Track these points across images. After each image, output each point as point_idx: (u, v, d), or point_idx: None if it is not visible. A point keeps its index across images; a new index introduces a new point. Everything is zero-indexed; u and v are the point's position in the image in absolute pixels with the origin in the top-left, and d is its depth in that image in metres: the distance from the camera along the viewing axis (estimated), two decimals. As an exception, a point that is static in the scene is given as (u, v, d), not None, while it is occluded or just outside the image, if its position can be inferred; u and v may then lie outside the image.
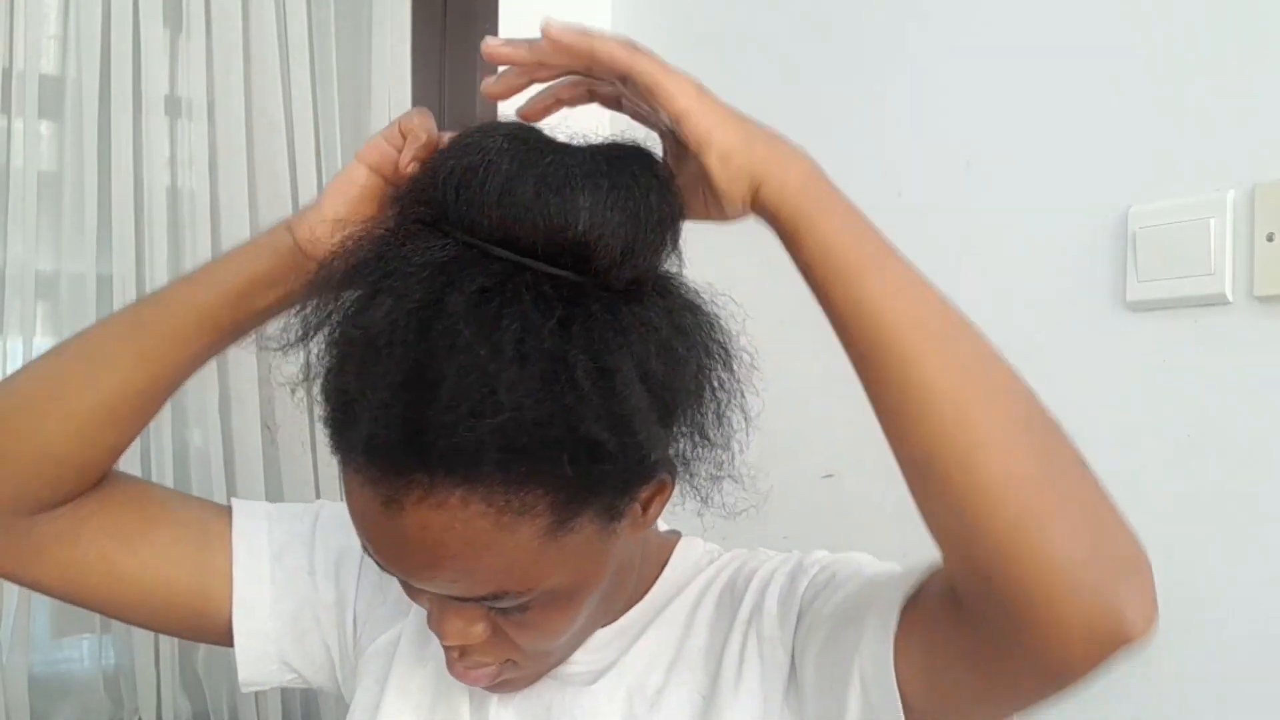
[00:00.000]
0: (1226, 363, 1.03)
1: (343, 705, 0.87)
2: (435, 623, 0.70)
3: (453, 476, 0.59)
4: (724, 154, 0.63)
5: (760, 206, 0.64)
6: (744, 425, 0.71)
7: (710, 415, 0.68)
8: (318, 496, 1.52)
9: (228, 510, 0.84)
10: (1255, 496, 1.00)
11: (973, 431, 0.58)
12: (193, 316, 0.74)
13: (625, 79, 0.64)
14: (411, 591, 0.71)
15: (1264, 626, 1.00)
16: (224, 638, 0.83)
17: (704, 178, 0.64)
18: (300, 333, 0.66)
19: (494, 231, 0.61)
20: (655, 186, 0.64)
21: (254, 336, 0.78)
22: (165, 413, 1.43)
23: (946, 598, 0.62)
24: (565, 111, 0.71)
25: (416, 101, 1.64)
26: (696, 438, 0.69)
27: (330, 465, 1.53)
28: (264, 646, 0.83)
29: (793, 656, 0.73)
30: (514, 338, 0.58)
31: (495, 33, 1.71)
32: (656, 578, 0.80)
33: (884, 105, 1.36)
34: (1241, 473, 1.01)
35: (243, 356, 1.48)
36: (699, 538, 0.85)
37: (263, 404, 1.51)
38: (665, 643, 0.78)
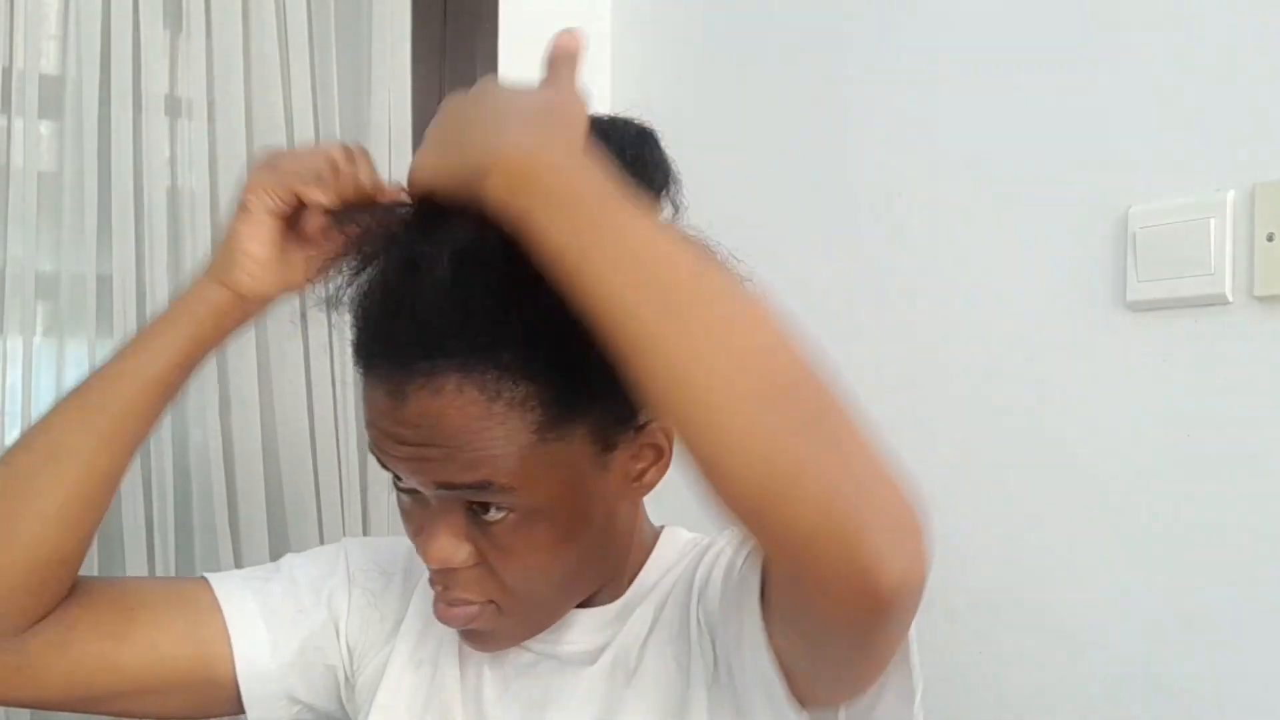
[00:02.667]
0: (1226, 363, 1.03)
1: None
2: (423, 543, 0.73)
3: (450, 362, 0.66)
4: (419, 166, 0.68)
5: (490, 208, 0.64)
6: None
7: None
8: (317, 499, 1.53)
9: (201, 580, 0.85)
10: (1255, 496, 1.01)
11: (704, 402, 0.56)
12: (143, 389, 0.77)
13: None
14: (409, 510, 0.74)
15: (1264, 626, 1.00)
16: (233, 703, 0.84)
17: None
18: (353, 271, 0.72)
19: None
20: (636, 143, 0.72)
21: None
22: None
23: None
24: None
25: (417, 101, 1.64)
26: None
27: (330, 465, 1.53)
28: (270, 689, 0.84)
29: (713, 640, 0.75)
30: (498, 252, 0.64)
31: (495, 33, 1.71)
32: (644, 564, 0.83)
33: (884, 105, 1.36)
34: (1241, 473, 1.01)
35: (243, 356, 1.48)
36: (683, 528, 0.86)
37: (263, 404, 1.51)
38: (649, 620, 0.79)
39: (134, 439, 0.78)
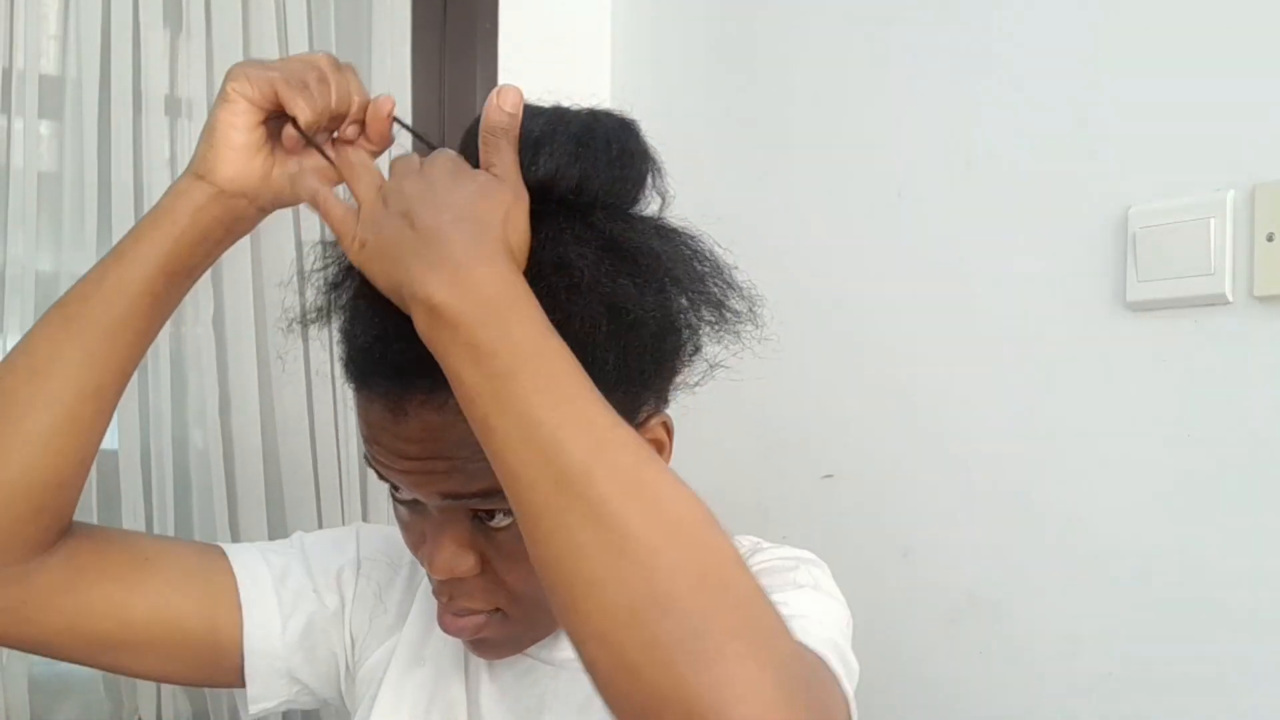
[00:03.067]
0: (1226, 363, 1.03)
1: (345, 716, 0.87)
2: (428, 554, 0.72)
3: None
4: (358, 247, 0.66)
5: None
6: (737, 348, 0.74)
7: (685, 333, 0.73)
8: (317, 499, 1.53)
9: (217, 547, 0.84)
10: (1255, 496, 1.00)
11: (577, 605, 0.56)
12: (128, 298, 0.72)
13: None
14: (409, 521, 0.73)
15: (1264, 626, 1.00)
16: (232, 673, 0.83)
17: None
18: (332, 282, 0.73)
19: None
20: (609, 137, 0.71)
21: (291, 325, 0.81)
22: (165, 413, 1.44)
23: None
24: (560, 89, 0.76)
25: (417, 101, 1.64)
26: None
27: (330, 465, 1.53)
28: (274, 665, 0.83)
29: None
30: None
31: (495, 33, 1.71)
32: None
33: (884, 105, 1.36)
34: (1241, 472, 1.01)
35: (243, 357, 1.49)
36: None
37: (263, 404, 1.51)
38: None
39: (126, 354, 0.74)
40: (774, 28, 1.52)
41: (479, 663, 0.82)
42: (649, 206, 0.75)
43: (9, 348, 1.36)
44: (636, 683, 0.53)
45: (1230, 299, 1.02)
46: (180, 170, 1.45)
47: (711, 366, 0.77)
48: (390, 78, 1.60)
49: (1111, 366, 1.11)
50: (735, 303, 0.74)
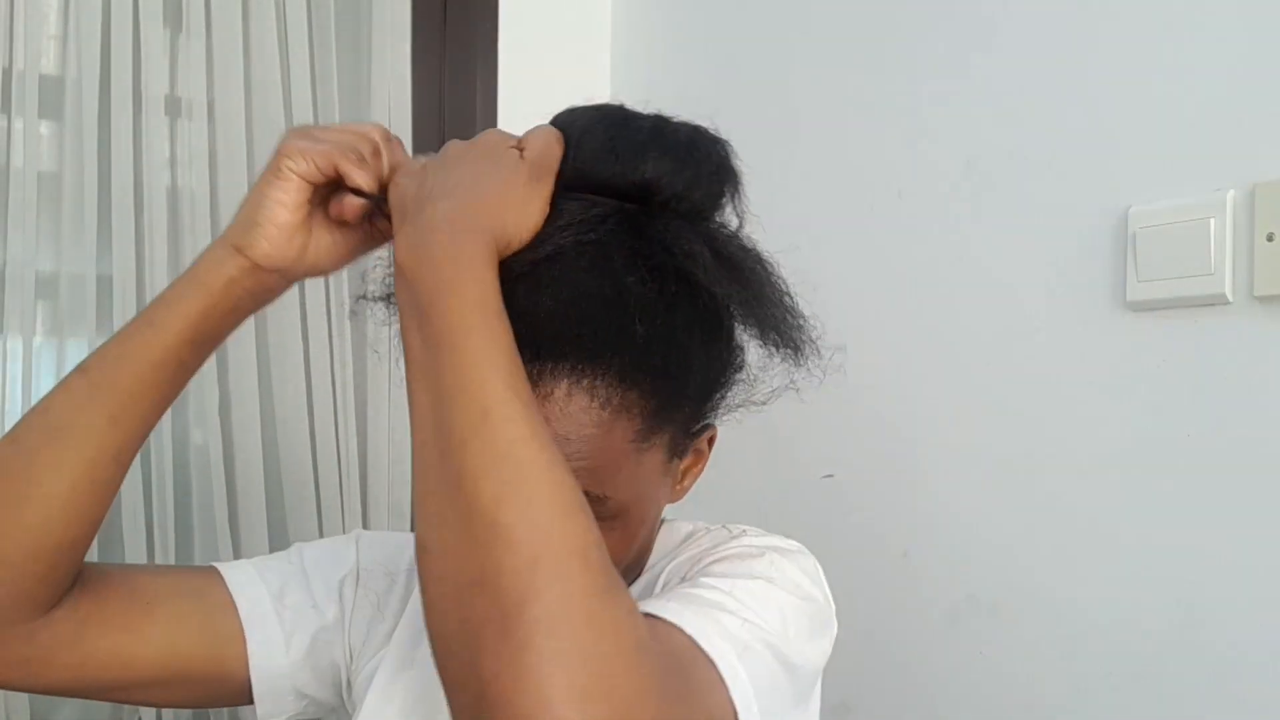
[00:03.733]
0: (1226, 363, 1.03)
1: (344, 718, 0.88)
2: None
3: (561, 365, 0.66)
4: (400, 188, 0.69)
5: None
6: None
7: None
8: (317, 498, 1.53)
9: (213, 571, 0.84)
10: (1255, 496, 1.00)
11: (423, 554, 0.58)
12: (153, 364, 0.72)
13: None
14: None
15: (1264, 626, 1.00)
16: (241, 695, 0.83)
17: None
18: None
19: (586, 182, 0.70)
20: (710, 150, 0.73)
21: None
22: (165, 413, 1.43)
23: None
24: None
25: (417, 101, 1.64)
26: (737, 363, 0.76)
27: (330, 465, 1.53)
28: (280, 683, 0.84)
29: None
30: (601, 252, 0.67)
31: (495, 33, 1.71)
32: (646, 560, 0.83)
33: (884, 104, 1.36)
34: (1241, 473, 1.01)
35: (243, 357, 1.49)
36: (684, 520, 0.86)
37: (263, 404, 1.51)
38: None
39: (145, 418, 0.74)
40: (774, 28, 1.52)
41: None
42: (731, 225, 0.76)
43: (9, 347, 1.38)
44: (449, 658, 0.54)
45: (1230, 299, 1.02)
46: (180, 170, 1.49)
47: (784, 386, 0.78)
48: (390, 78, 1.61)
49: (1111, 366, 1.11)
50: (801, 333, 0.75)
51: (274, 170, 0.72)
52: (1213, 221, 1.03)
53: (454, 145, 0.70)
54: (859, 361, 1.37)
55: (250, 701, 0.84)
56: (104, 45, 1.43)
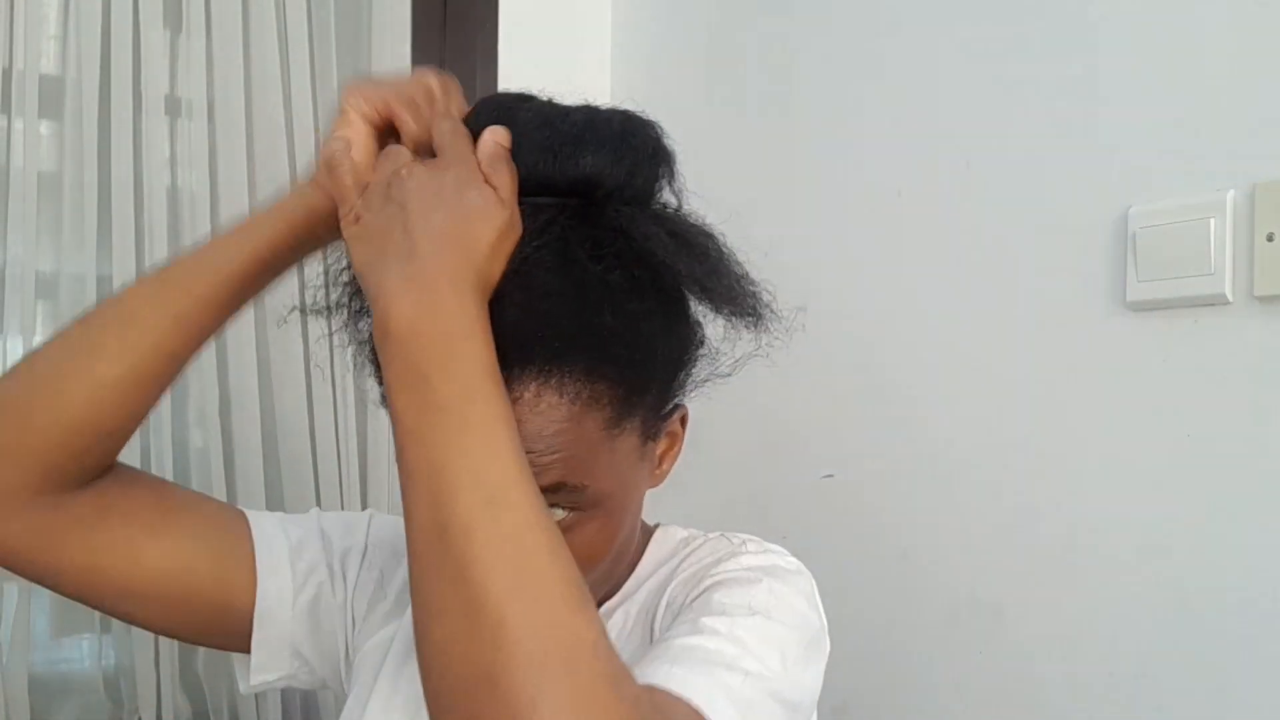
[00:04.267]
0: (1226, 363, 1.03)
1: (342, 704, 0.87)
2: None
3: (527, 370, 0.66)
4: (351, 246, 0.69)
5: None
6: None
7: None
8: (317, 499, 1.53)
9: (240, 512, 0.85)
10: (1255, 496, 1.00)
11: (426, 605, 0.58)
12: (227, 278, 0.76)
13: None
14: None
15: (1263, 627, 1.00)
16: (237, 637, 0.83)
17: None
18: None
19: (526, 184, 0.70)
20: (644, 135, 0.73)
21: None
22: (165, 413, 1.43)
23: None
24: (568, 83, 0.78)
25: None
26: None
27: (330, 465, 1.53)
28: (280, 635, 0.84)
29: None
30: (558, 256, 0.67)
31: (495, 33, 1.71)
32: (636, 565, 0.83)
33: (884, 105, 1.36)
34: (1241, 473, 1.01)
35: (244, 357, 1.48)
36: (679, 526, 0.86)
37: (263, 404, 1.51)
38: (630, 623, 0.80)
39: (208, 327, 0.77)
40: (774, 27, 1.52)
41: None
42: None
43: (8, 348, 1.38)
44: None
45: (1230, 299, 1.02)
46: (180, 170, 1.49)
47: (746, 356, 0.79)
48: (390, 78, 1.60)
49: (1111, 366, 1.11)
50: (758, 300, 0.75)
51: (340, 113, 0.75)
52: (1213, 221, 1.03)
53: (420, 175, 0.67)
54: (859, 361, 1.38)
55: (245, 647, 0.83)
56: (104, 45, 1.43)
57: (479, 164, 0.68)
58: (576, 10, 1.78)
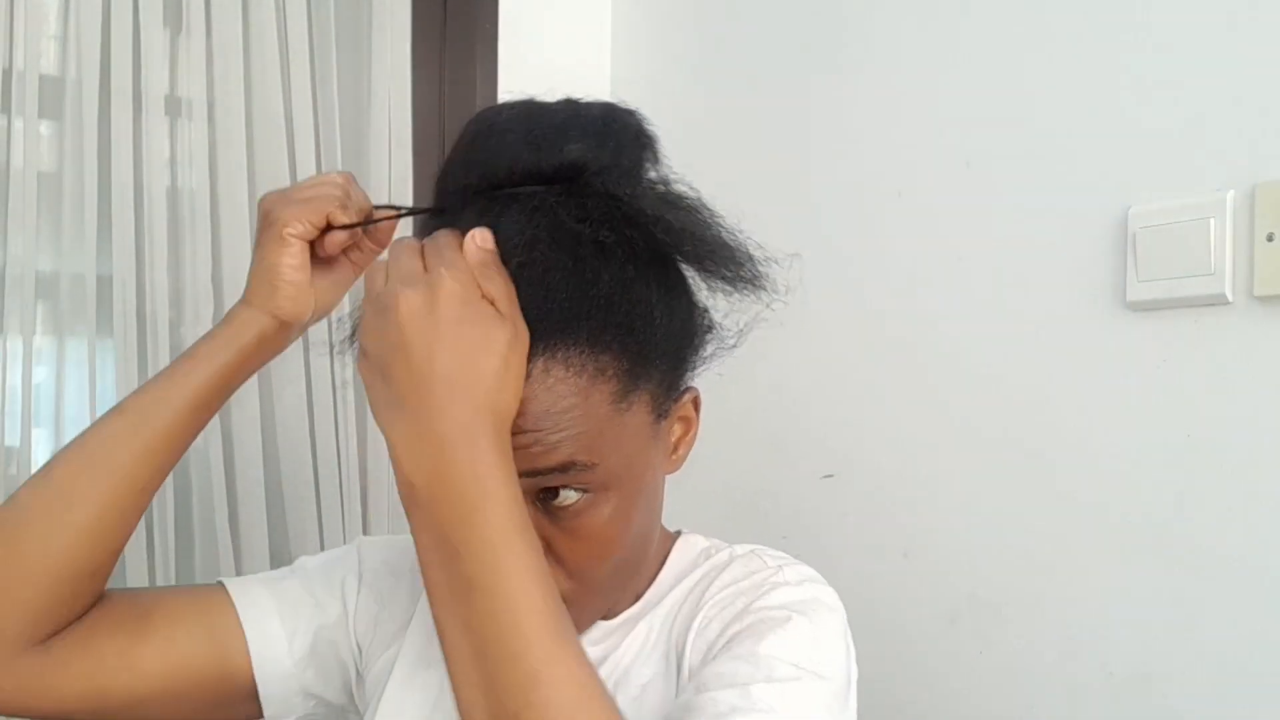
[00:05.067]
0: (1226, 363, 1.03)
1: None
2: None
3: (533, 348, 0.67)
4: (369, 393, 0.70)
5: None
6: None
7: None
8: (317, 498, 1.53)
9: (217, 584, 0.86)
10: (1255, 496, 1.00)
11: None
12: (185, 408, 0.79)
13: None
14: None
15: (1263, 627, 1.00)
16: (251, 701, 0.84)
17: None
18: None
19: (513, 177, 0.71)
20: (625, 120, 0.73)
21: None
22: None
23: None
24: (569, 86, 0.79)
25: (417, 101, 1.64)
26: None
27: (330, 465, 1.53)
28: (287, 684, 0.85)
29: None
30: (556, 230, 0.69)
31: (495, 33, 1.71)
32: (657, 574, 0.83)
33: (884, 105, 1.36)
34: (1241, 473, 1.01)
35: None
36: (699, 534, 0.85)
37: (263, 404, 1.51)
38: (653, 636, 0.79)
39: (172, 455, 0.80)
40: (775, 28, 1.52)
41: None
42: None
43: (8, 348, 1.38)
44: None
45: (1230, 299, 1.02)
46: (180, 170, 1.49)
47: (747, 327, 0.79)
48: (390, 78, 1.61)
49: (1111, 366, 1.11)
50: (755, 264, 0.75)
51: (278, 239, 0.78)
52: (1213, 221, 1.03)
53: (412, 302, 0.64)
54: (859, 361, 1.38)
55: (259, 711, 0.84)
56: (104, 45, 1.43)
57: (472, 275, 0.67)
58: (576, 10, 1.78)
